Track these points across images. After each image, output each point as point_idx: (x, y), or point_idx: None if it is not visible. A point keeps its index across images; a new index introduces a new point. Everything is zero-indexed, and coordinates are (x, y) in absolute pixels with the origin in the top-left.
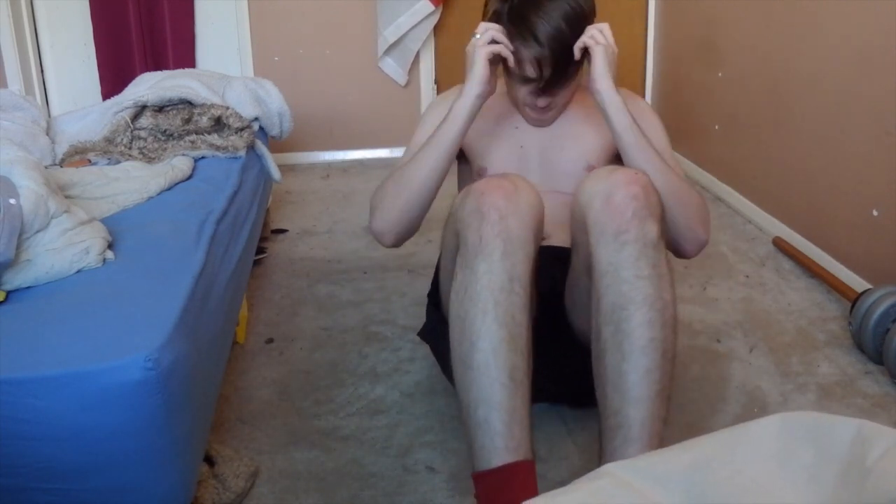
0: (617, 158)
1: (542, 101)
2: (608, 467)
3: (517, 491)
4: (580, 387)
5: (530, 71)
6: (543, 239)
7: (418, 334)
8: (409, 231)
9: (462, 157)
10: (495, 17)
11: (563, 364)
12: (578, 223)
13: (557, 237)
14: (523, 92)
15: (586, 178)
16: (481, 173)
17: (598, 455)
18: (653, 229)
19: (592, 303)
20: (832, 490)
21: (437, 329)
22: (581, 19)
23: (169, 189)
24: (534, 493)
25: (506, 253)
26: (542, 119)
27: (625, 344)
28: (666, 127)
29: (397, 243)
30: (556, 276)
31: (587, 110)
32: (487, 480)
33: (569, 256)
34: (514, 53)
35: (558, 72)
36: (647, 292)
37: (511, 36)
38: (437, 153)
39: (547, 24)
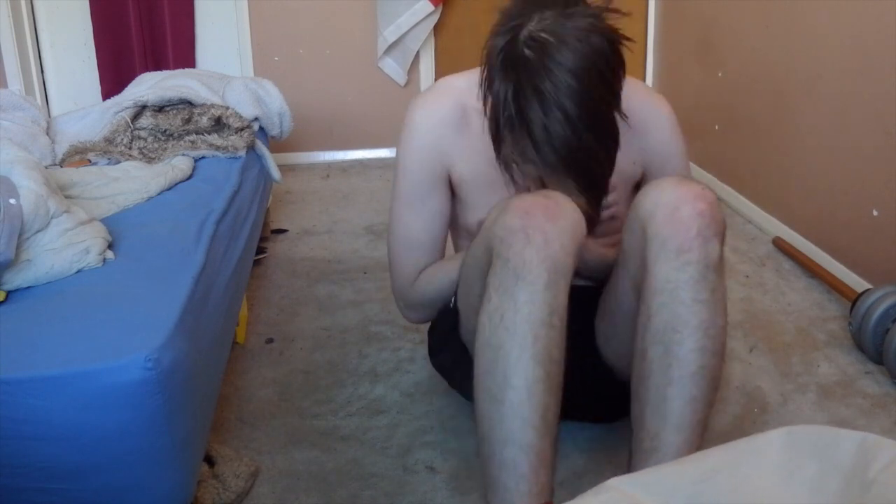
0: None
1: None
2: (612, 482)
3: None
4: (604, 406)
5: (533, 172)
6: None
7: (432, 362)
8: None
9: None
10: (499, 96)
11: (588, 383)
12: (634, 233)
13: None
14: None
15: (649, 185)
16: (480, 226)
17: (627, 471)
18: (716, 250)
19: (640, 319)
20: (835, 501)
21: (453, 356)
22: (599, 104)
23: (169, 189)
24: None
25: (549, 283)
26: None
27: (673, 368)
28: None
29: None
30: (580, 318)
31: None
32: None
33: (586, 296)
34: (520, 170)
35: (572, 172)
36: (702, 317)
37: (508, 127)
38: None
39: (553, 119)
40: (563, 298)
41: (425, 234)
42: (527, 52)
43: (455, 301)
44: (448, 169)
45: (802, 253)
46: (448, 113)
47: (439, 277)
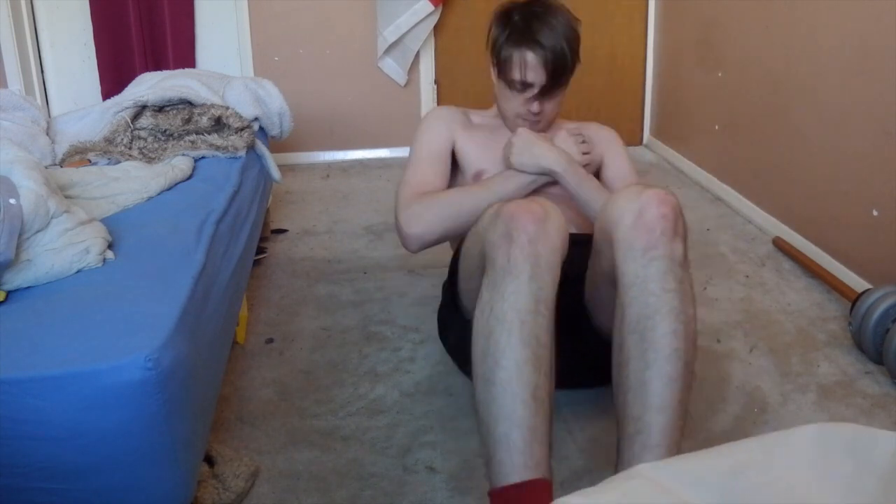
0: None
1: (535, 107)
2: (641, 468)
3: None
4: (599, 369)
5: (531, 75)
6: None
7: (440, 335)
8: (437, 244)
9: (454, 166)
10: (501, 34)
11: (584, 347)
12: (604, 236)
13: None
14: (519, 101)
15: (616, 194)
16: (478, 176)
17: (615, 463)
18: (679, 248)
19: (616, 313)
20: (871, 502)
21: (460, 336)
22: (576, 36)
23: (169, 189)
24: None
25: (533, 276)
26: (534, 130)
27: (649, 352)
28: (666, 127)
29: (420, 250)
30: (572, 260)
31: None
32: (505, 496)
33: (581, 241)
34: (519, 59)
35: (555, 77)
36: (673, 304)
37: (518, 42)
38: (494, 196)
39: (550, 34)
40: (549, 291)
41: (433, 177)
42: (517, 12)
43: (457, 281)
44: (453, 142)
45: (802, 253)
46: (456, 113)
47: (443, 194)
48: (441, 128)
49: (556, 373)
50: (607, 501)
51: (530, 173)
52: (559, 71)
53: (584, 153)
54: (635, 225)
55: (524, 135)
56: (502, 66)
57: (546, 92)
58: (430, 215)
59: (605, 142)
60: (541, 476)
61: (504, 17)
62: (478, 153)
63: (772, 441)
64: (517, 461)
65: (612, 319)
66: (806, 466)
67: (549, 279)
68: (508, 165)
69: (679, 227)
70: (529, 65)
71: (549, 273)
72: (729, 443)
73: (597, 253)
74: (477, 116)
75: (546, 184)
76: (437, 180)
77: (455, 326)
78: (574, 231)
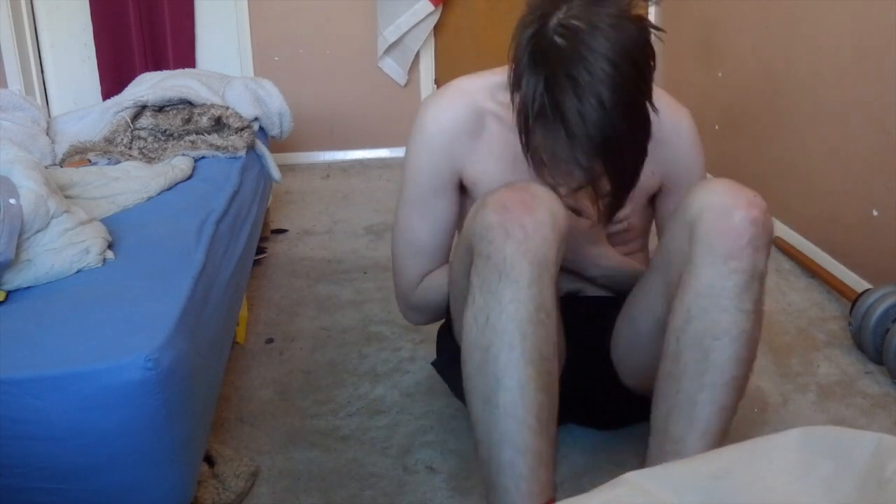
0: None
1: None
2: (628, 476)
3: None
4: (611, 412)
5: (574, 185)
6: (579, 291)
7: (432, 364)
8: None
9: (465, 191)
10: (529, 76)
11: (596, 391)
12: (679, 233)
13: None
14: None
15: (700, 185)
16: None
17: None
18: (763, 261)
19: (675, 320)
20: (850, 501)
21: (453, 357)
22: (642, 122)
23: (169, 189)
24: None
25: (533, 279)
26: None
27: (707, 375)
28: None
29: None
30: (595, 328)
31: None
32: None
33: (603, 306)
34: (554, 167)
35: (617, 201)
36: (743, 327)
37: (547, 127)
38: None
39: (597, 111)
40: (549, 293)
41: (430, 239)
42: (558, 40)
43: None
44: (459, 173)
45: (802, 253)
46: (461, 116)
47: (441, 283)
48: (440, 161)
49: (565, 408)
50: None
51: None
52: (615, 159)
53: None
54: (720, 225)
55: (583, 229)
56: (530, 147)
57: (612, 211)
58: (429, 310)
59: (672, 159)
60: (545, 500)
61: (538, 55)
62: (489, 176)
63: (756, 446)
64: (523, 488)
65: (647, 367)
66: (787, 468)
67: (549, 278)
68: None
69: (767, 235)
70: (560, 153)
71: (547, 272)
72: (716, 449)
73: (659, 265)
74: (492, 112)
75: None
76: (430, 241)
77: (448, 350)
78: (592, 294)
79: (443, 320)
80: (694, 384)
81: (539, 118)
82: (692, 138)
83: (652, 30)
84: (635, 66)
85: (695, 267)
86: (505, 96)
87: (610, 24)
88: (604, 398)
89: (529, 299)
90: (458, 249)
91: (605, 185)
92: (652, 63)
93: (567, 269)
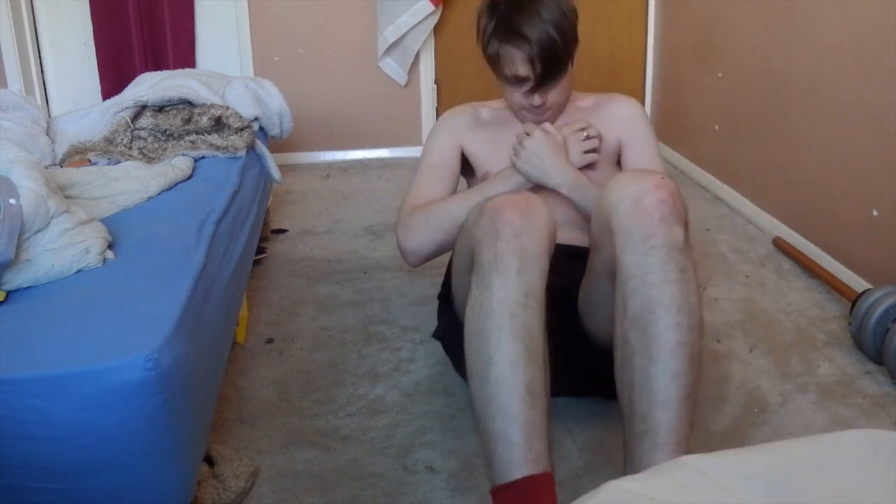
0: (616, 164)
1: (536, 100)
2: (687, 459)
3: (539, 502)
4: (598, 378)
5: (522, 70)
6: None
7: (433, 335)
8: (437, 256)
9: (468, 170)
10: (487, 27)
11: (578, 357)
12: (603, 225)
13: (563, 235)
14: (518, 95)
15: (613, 180)
16: (485, 178)
17: (623, 461)
18: (679, 233)
19: (617, 307)
20: None
21: (451, 327)
22: (565, 20)
23: (169, 189)
24: None
25: (521, 269)
26: (541, 120)
27: (653, 348)
28: (666, 127)
29: (421, 264)
30: (567, 272)
31: (582, 119)
32: (507, 493)
33: (577, 254)
34: (507, 56)
35: (548, 68)
36: (674, 295)
37: (503, 38)
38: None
39: (535, 26)
40: (537, 284)
41: (436, 187)
42: (503, 1)
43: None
44: (461, 144)
45: (802, 253)
46: (464, 113)
47: (436, 204)
48: (446, 136)
49: (553, 381)
50: (660, 487)
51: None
52: (550, 62)
53: (589, 151)
54: (632, 211)
55: (537, 141)
56: (492, 63)
57: (542, 84)
58: (423, 228)
59: (626, 120)
60: (541, 470)
61: (490, 9)
62: (484, 155)
63: (821, 442)
64: (517, 456)
65: (609, 320)
66: (854, 470)
67: (537, 271)
68: (512, 163)
69: (678, 211)
70: (517, 60)
71: (536, 265)
72: (774, 441)
73: (595, 247)
74: (486, 110)
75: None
76: (440, 190)
77: (450, 327)
78: (580, 236)
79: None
80: (643, 359)
81: (496, 31)
82: (638, 107)
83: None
84: (568, 10)
85: (619, 254)
86: (493, 105)
87: None
88: (586, 362)
89: (518, 286)
90: (461, 251)
91: (533, 65)
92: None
93: (535, 181)
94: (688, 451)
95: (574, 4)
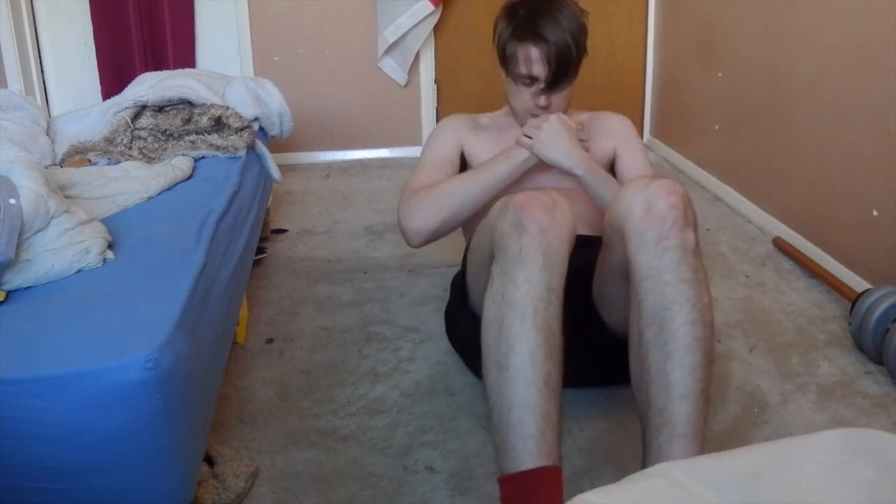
0: (610, 168)
1: (543, 101)
2: (661, 467)
3: (547, 495)
4: (608, 368)
5: (537, 69)
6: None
7: (447, 332)
8: (439, 237)
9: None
10: (506, 29)
11: (590, 347)
12: (615, 230)
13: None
14: (526, 96)
15: (624, 187)
16: None
17: (642, 456)
18: (691, 237)
19: (631, 306)
20: None
21: (469, 327)
22: (580, 32)
23: (169, 189)
24: (560, 501)
25: (545, 265)
26: None
27: (669, 343)
28: (666, 127)
29: (422, 244)
30: (580, 262)
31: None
32: (517, 482)
33: (590, 243)
34: (524, 54)
35: (561, 71)
36: (689, 294)
37: (522, 37)
38: (486, 180)
39: (555, 28)
40: (559, 281)
41: (437, 177)
42: (522, 6)
43: (465, 274)
44: (461, 146)
45: (802, 253)
46: (465, 119)
47: (438, 185)
48: (448, 135)
49: (565, 372)
50: (626, 500)
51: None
52: (564, 64)
53: (581, 140)
54: (646, 216)
55: (556, 124)
56: (508, 62)
57: (552, 86)
58: (425, 206)
59: (619, 133)
60: (552, 463)
61: (509, 13)
62: (485, 153)
63: (794, 445)
64: (531, 447)
65: (622, 314)
66: (827, 471)
67: (559, 269)
68: (523, 145)
69: (689, 215)
70: (534, 59)
71: (559, 263)
72: (750, 445)
73: (607, 247)
74: (486, 118)
75: (562, 179)
76: (437, 175)
77: (464, 321)
78: (587, 231)
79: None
80: (659, 355)
81: (515, 34)
82: (629, 122)
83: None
84: (583, 21)
85: (632, 258)
86: (491, 115)
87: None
88: (599, 349)
89: (541, 281)
90: (482, 242)
91: (549, 65)
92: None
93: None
94: (703, 444)
95: (585, 21)
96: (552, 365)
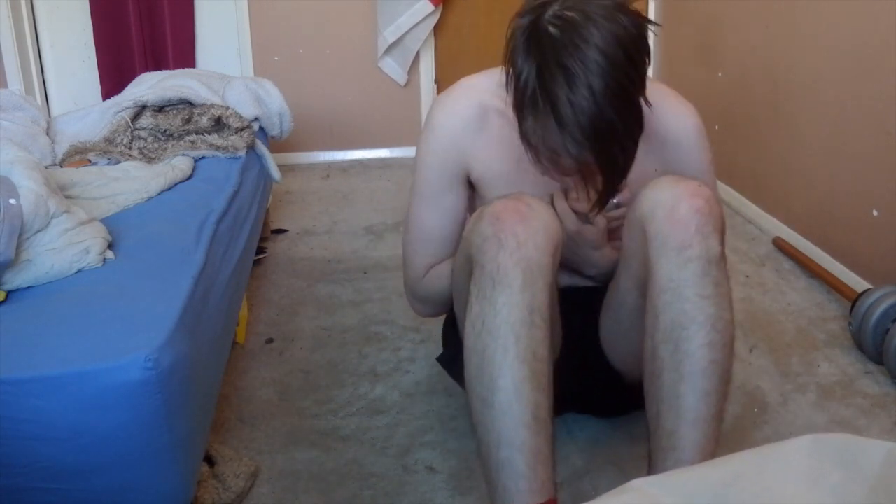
0: None
1: (584, 202)
2: (635, 483)
3: None
4: (608, 398)
5: (592, 181)
6: (572, 284)
7: (439, 360)
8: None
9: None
10: (524, 71)
11: (593, 378)
12: (634, 233)
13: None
14: (554, 175)
15: (648, 186)
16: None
17: (647, 474)
18: (716, 245)
19: (648, 319)
20: None
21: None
22: (625, 87)
23: (169, 189)
24: None
25: (525, 283)
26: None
27: (684, 364)
28: None
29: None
30: (588, 294)
31: None
32: None
33: (590, 296)
34: (571, 158)
35: (619, 177)
36: (709, 312)
37: (538, 117)
38: None
39: (587, 98)
40: (542, 298)
41: (438, 230)
42: (552, 30)
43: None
44: (467, 168)
45: (802, 253)
46: (468, 113)
47: (446, 274)
48: (445, 156)
49: (557, 391)
50: None
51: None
52: (605, 150)
53: (613, 222)
54: (668, 220)
55: (597, 238)
56: (536, 149)
57: (605, 200)
58: (434, 299)
59: (673, 145)
60: (546, 499)
61: (532, 44)
62: (497, 191)
63: (765, 453)
64: (522, 487)
65: (632, 354)
66: (796, 477)
67: (542, 284)
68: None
69: (715, 220)
70: (590, 171)
71: (541, 278)
72: (725, 456)
73: (624, 259)
74: (494, 101)
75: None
76: (438, 233)
77: (452, 341)
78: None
79: (446, 315)
80: (674, 376)
81: (531, 105)
82: (698, 138)
83: (647, 24)
84: (628, 59)
85: (652, 264)
86: (503, 97)
87: (604, 15)
88: (599, 385)
89: (522, 303)
90: (459, 258)
91: (596, 175)
92: (646, 58)
93: (566, 266)
94: None
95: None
96: (540, 395)
